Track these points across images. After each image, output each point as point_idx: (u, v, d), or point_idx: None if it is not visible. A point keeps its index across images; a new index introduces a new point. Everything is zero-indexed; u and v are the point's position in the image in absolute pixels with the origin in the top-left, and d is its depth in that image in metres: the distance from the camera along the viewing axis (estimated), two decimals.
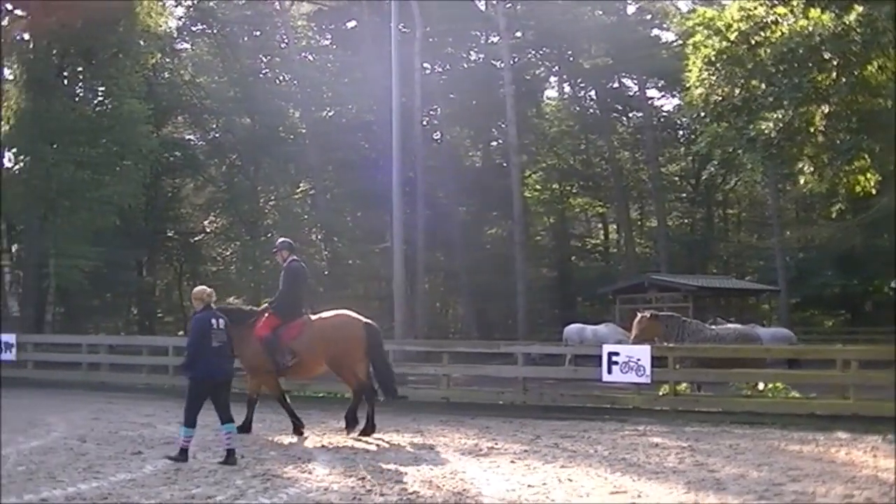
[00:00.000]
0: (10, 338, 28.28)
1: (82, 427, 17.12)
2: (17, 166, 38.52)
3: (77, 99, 37.53)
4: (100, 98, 37.94)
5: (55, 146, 34.36)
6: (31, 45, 37.53)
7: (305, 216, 47.47)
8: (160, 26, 40.40)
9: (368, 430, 16.00)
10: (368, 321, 16.47)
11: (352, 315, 16.50)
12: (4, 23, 37.39)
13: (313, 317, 16.42)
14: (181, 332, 44.87)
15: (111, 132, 34.57)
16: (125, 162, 35.19)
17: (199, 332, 13.19)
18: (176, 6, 45.30)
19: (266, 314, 16.28)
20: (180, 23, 45.82)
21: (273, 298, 16.51)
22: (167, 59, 43.32)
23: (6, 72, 38.51)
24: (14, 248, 37.82)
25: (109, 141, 34.36)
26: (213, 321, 13.27)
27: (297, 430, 16.18)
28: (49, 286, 35.62)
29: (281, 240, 17.15)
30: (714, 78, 23.41)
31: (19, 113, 36.26)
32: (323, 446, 15.13)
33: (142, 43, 37.13)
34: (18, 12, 38.06)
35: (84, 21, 33.70)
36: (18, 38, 38.16)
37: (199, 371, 13.18)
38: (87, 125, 35.00)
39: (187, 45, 47.29)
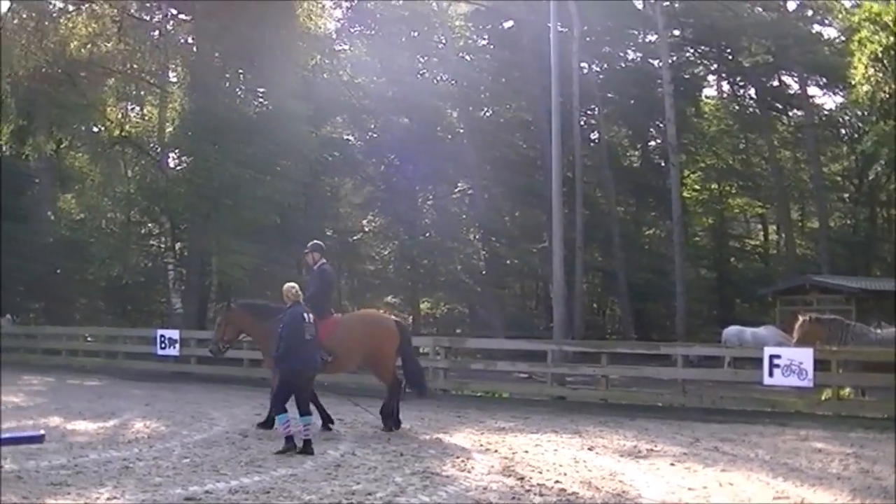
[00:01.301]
0: (174, 334, 29.11)
1: (244, 422, 17.34)
2: (180, 166, 39.34)
3: (238, 100, 37.97)
4: (260, 99, 38.39)
5: (217, 146, 34.69)
6: (194, 48, 38.22)
7: (463, 215, 47.35)
8: (319, 28, 40.65)
9: (393, 424, 16.26)
10: (398, 319, 17.16)
11: (381, 314, 17.07)
12: (169, 26, 38.20)
13: (341, 315, 16.79)
14: None
15: (272, 132, 34.73)
16: (285, 161, 35.42)
17: (291, 326, 13.89)
18: (335, 7, 45.63)
19: None
20: (339, 24, 46.13)
21: (304, 298, 15.98)
22: (326, 60, 43.54)
23: (171, 74, 39.41)
24: (177, 246, 38.73)
25: (270, 141, 34.55)
26: (304, 315, 14.07)
27: (266, 424, 16.08)
28: (211, 283, 36.37)
29: (313, 242, 17.24)
30: (881, 75, 22.36)
31: (183, 114, 37.02)
32: (481, 445, 14.92)
33: (301, 44, 37.28)
34: (182, 16, 38.95)
35: (245, 23, 34.05)
36: (182, 41, 38.99)
37: (292, 363, 13.89)
38: (248, 125, 35.34)
39: (346, 46, 47.49)
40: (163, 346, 28.84)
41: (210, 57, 37.18)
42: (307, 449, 13.56)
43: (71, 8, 40.84)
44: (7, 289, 39.29)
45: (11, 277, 39.82)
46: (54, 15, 40.61)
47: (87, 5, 39.91)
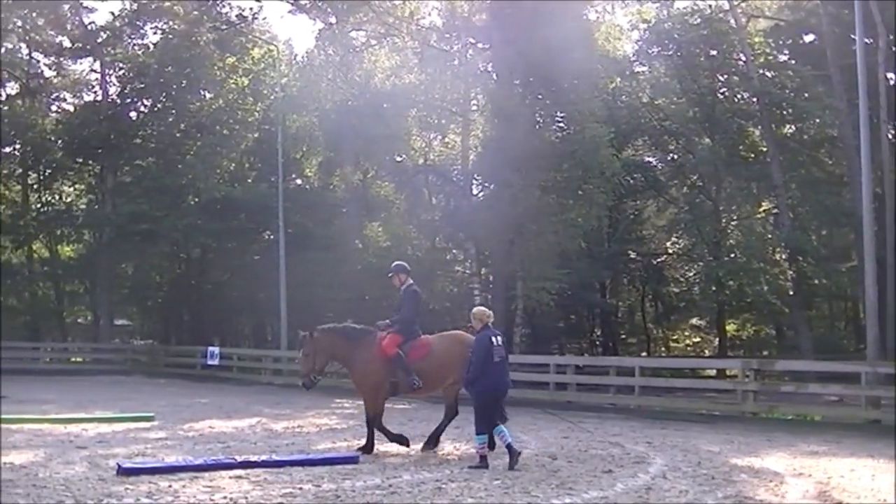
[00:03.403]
0: None
1: (553, 444, 17.05)
2: (484, 192, 39.74)
3: (538, 125, 37.98)
4: (560, 123, 38.27)
5: (520, 172, 34.82)
6: (493, 76, 38.74)
7: (769, 235, 45.59)
8: (618, 50, 40.26)
9: (433, 443, 15.78)
10: None
11: (468, 335, 15.79)
12: (468, 55, 38.73)
13: (431, 336, 16.14)
14: (644, 353, 44.46)
15: (574, 157, 34.62)
16: (588, 185, 35.13)
17: (483, 350, 13.90)
18: (631, 30, 45.09)
19: (388, 333, 15.76)
20: (637, 46, 45.47)
21: (396, 319, 15.93)
22: (625, 83, 43.03)
23: (472, 102, 39.91)
24: (482, 271, 38.92)
25: (572, 165, 34.50)
26: (493, 339, 13.99)
27: (367, 448, 15.38)
28: (517, 308, 36.25)
29: (396, 264, 16.62)
30: None
31: (485, 141, 37.43)
32: (794, 469, 14.06)
33: (601, 67, 36.99)
34: (481, 45, 39.46)
35: (544, 50, 34.00)
36: (482, 69, 39.48)
37: (484, 385, 13.92)
38: (550, 150, 35.36)
39: (645, 68, 46.79)
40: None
41: (510, 84, 37.49)
42: (483, 463, 13.80)
43: (373, 42, 42.22)
44: (319, 316, 40.63)
45: (323, 305, 41.24)
46: (358, 49, 42.07)
47: (389, 39, 41.19)
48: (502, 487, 12.23)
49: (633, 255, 46.84)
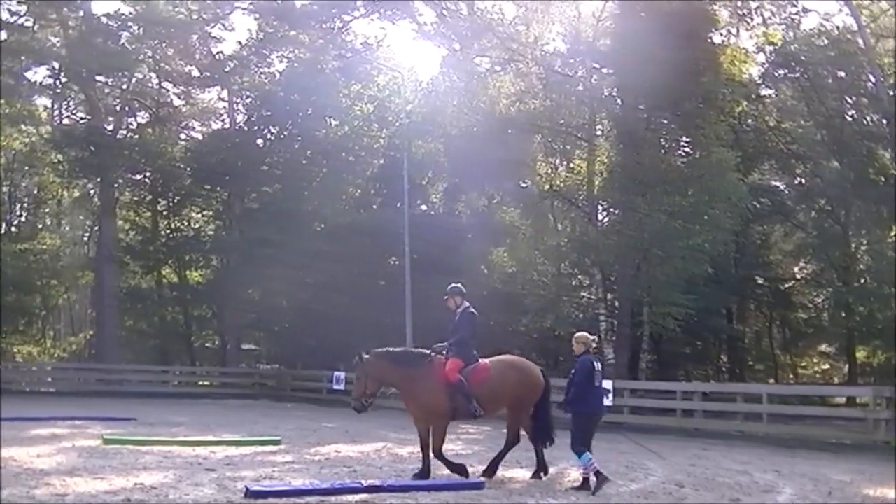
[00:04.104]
0: (607, 384, 29.23)
1: (680, 472, 17.25)
2: (610, 218, 40.20)
3: (664, 150, 38.35)
4: (686, 148, 38.58)
5: (646, 197, 35.22)
6: (618, 101, 39.20)
7: None
8: (744, 74, 40.46)
9: (491, 472, 15.68)
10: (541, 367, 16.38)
11: (528, 361, 16.36)
12: (593, 80, 39.32)
13: (488, 361, 15.90)
14: (771, 381, 44.38)
15: (700, 181, 34.80)
16: (714, 210, 35.05)
17: (585, 372, 14.62)
18: (757, 52, 45.17)
19: (448, 358, 15.61)
20: (763, 69, 45.54)
21: (452, 342, 15.73)
22: (752, 106, 43.12)
23: (597, 128, 40.42)
24: (608, 297, 39.13)
25: (698, 190, 34.59)
26: (594, 363, 14.75)
27: (458, 471, 15.35)
28: (643, 334, 36.49)
29: (452, 286, 16.48)
30: None
31: (611, 166, 37.87)
32: None
33: (726, 91, 37.22)
34: (605, 70, 40.00)
35: (669, 74, 34.33)
36: (606, 94, 39.98)
37: (584, 407, 14.62)
38: (676, 175, 35.67)
39: (771, 91, 46.79)
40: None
41: (634, 108, 38.00)
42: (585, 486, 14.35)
43: (497, 67, 43.05)
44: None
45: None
46: (482, 75, 42.93)
47: (513, 64, 41.98)
48: None
49: (760, 281, 46.73)
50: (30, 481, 13.89)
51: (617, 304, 38.74)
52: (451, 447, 20.63)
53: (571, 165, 42.37)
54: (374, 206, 48.33)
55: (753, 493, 14.66)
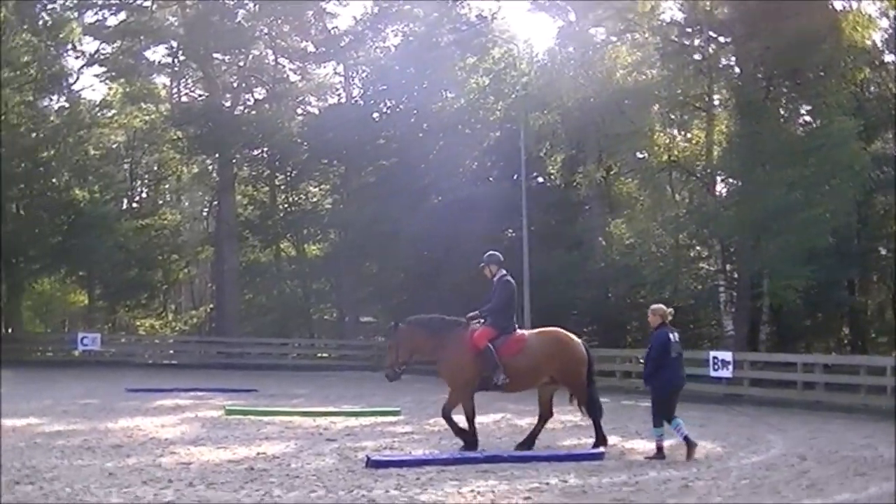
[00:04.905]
0: (726, 355, 29.36)
1: (801, 445, 17.18)
2: (729, 189, 40.42)
3: (784, 119, 38.42)
4: (807, 117, 38.56)
5: (765, 167, 35.44)
6: (736, 70, 39.35)
7: None
8: (866, 40, 40.25)
9: (601, 442, 15.60)
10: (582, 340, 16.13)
11: (569, 333, 16.10)
12: (710, 50, 39.50)
13: (526, 332, 16.05)
14: (895, 353, 44.13)
15: (820, 151, 34.55)
16: (835, 180, 34.99)
17: (661, 345, 14.81)
18: (880, 18, 44.76)
19: (481, 326, 15.68)
20: (886, 34, 45.11)
21: (485, 310, 15.78)
22: (874, 73, 42.81)
23: (715, 97, 40.60)
24: (728, 268, 39.28)
25: (819, 160, 34.44)
26: (671, 335, 14.86)
27: (468, 442, 15.56)
28: (762, 306, 36.69)
29: (488, 254, 16.27)
30: None
31: (729, 136, 37.98)
32: None
33: (848, 58, 37.11)
34: (722, 39, 40.01)
35: (788, 42, 34.45)
36: (724, 63, 40.08)
37: (662, 379, 14.85)
38: (796, 145, 35.66)
39: (894, 57, 46.39)
40: (715, 367, 29.03)
41: (753, 77, 38.01)
42: (691, 449, 14.68)
43: (614, 38, 43.38)
44: (563, 314, 42.14)
45: (567, 303, 42.70)
46: (598, 46, 43.32)
47: (629, 35, 42.29)
48: (750, 487, 12.46)
49: (883, 252, 46.36)
50: (156, 450, 14.80)
51: (736, 275, 38.75)
52: (570, 418, 20.24)
53: (689, 136, 42.45)
54: (491, 179, 48.94)
55: (878, 467, 14.38)
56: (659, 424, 14.86)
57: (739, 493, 12.00)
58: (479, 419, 16.21)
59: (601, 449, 15.26)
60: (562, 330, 16.40)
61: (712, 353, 29.92)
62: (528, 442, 15.75)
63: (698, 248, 42.97)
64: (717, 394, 29.35)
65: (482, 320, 15.80)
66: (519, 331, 15.92)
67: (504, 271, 16.02)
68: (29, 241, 47.75)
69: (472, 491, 11.61)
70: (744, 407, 26.33)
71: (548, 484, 12.22)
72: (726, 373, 29.02)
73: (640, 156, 42.52)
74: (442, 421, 16.30)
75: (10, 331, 49.22)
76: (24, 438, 15.61)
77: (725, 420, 22.75)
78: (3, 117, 46.66)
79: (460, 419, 15.76)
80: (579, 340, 16.18)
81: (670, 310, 15.49)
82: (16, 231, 47.11)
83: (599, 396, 16.26)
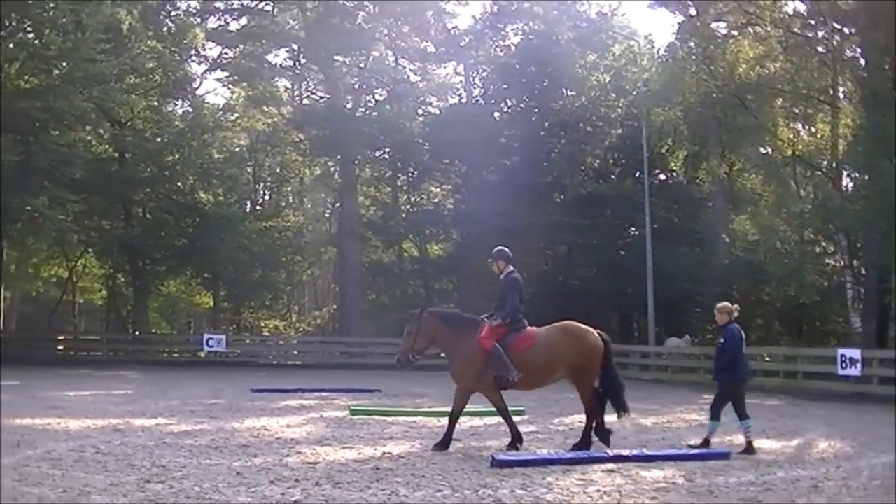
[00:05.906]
0: (854, 353, 28.83)
1: None
2: (854, 182, 40.39)
3: None
4: None
5: (893, 161, 34.93)
6: (862, 62, 39.28)
7: None
8: None
9: (584, 445, 15.14)
10: (601, 332, 15.70)
11: (585, 327, 15.63)
12: (835, 41, 39.59)
13: (535, 328, 15.53)
14: None
15: None
16: None
17: (733, 341, 15.53)
18: None
19: (490, 324, 15.25)
20: None
21: (497, 308, 15.52)
22: None
23: (840, 90, 40.61)
24: (855, 264, 39.38)
25: None
26: (740, 331, 15.72)
27: (442, 442, 15.35)
28: (891, 301, 36.53)
29: (497, 249, 15.90)
30: None
31: (855, 129, 37.98)
32: None
33: None
34: (846, 30, 40.04)
35: None
36: (849, 55, 40.09)
37: (736, 374, 15.66)
38: None
39: None
40: (843, 366, 28.59)
41: (879, 68, 37.61)
42: (749, 450, 15.06)
43: (735, 32, 43.68)
44: (686, 310, 42.62)
45: (690, 300, 43.24)
46: (720, 40, 43.69)
47: (751, 28, 42.55)
48: (882, 487, 12.37)
49: None
50: (282, 449, 15.00)
51: (863, 270, 38.69)
52: (694, 417, 21.08)
53: (814, 129, 42.53)
54: (613, 177, 49.51)
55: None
56: (715, 417, 15.59)
57: (871, 494, 12.01)
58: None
59: (729, 449, 15.30)
60: (574, 322, 15.92)
61: (840, 351, 29.48)
62: (585, 442, 15.33)
63: (824, 243, 42.75)
64: (844, 392, 29.33)
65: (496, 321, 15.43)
66: (529, 327, 15.54)
67: (512, 267, 15.66)
68: (155, 244, 49.29)
69: (598, 490, 11.72)
70: (871, 406, 26.04)
71: (674, 483, 12.40)
72: (855, 371, 28.57)
73: (764, 151, 42.72)
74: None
75: (137, 333, 50.86)
76: (154, 438, 16.15)
77: (853, 418, 22.63)
78: (129, 122, 48.56)
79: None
80: (594, 332, 15.70)
81: (735, 306, 16.17)
82: (142, 234, 48.80)
83: (624, 387, 15.98)
